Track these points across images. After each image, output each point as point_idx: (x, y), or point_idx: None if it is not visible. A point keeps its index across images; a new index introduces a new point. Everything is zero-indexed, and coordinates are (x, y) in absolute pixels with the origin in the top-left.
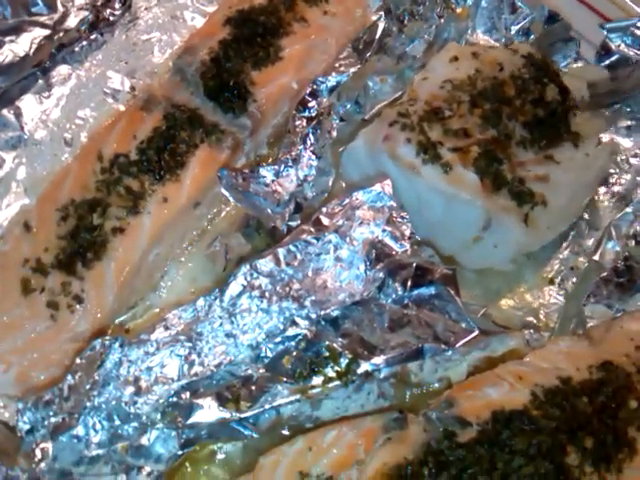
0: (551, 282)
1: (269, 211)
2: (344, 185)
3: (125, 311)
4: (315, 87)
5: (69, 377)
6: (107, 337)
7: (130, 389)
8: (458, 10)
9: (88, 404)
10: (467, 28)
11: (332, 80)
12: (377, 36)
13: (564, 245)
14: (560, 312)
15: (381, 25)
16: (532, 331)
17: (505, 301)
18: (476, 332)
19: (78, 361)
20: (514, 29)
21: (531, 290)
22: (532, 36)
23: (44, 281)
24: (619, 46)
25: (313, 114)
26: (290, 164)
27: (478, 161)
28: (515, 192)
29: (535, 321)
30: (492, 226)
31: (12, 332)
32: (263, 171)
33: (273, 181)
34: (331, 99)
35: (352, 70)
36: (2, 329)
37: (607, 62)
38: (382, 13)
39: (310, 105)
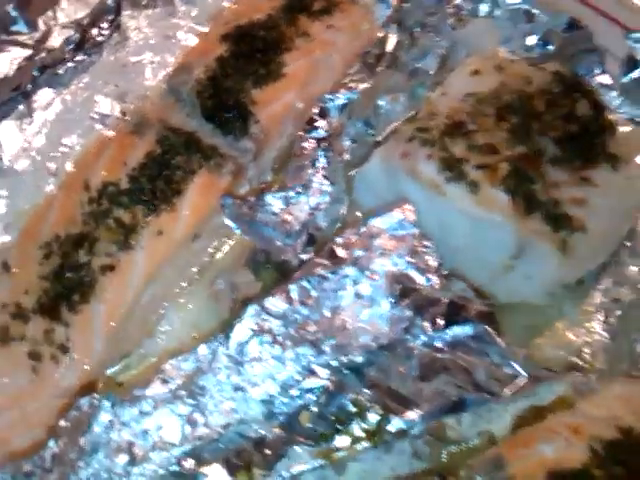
0: (593, 316)
1: (279, 243)
2: (359, 213)
3: (117, 361)
4: (323, 105)
5: (51, 443)
6: (95, 395)
7: (123, 457)
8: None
9: (74, 477)
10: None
11: (341, 98)
12: (389, 49)
13: (604, 274)
14: (607, 350)
15: (392, 37)
16: (578, 374)
17: (543, 339)
18: (525, 379)
19: (62, 423)
20: (531, 39)
21: (572, 326)
22: (550, 46)
23: (25, 328)
24: None
25: (322, 135)
26: (300, 190)
27: (508, 179)
28: (550, 215)
29: (580, 362)
30: (525, 254)
31: None
32: (270, 199)
33: (282, 210)
34: (341, 118)
35: (362, 86)
36: None
37: (635, 75)
38: (393, 25)
39: (318, 125)
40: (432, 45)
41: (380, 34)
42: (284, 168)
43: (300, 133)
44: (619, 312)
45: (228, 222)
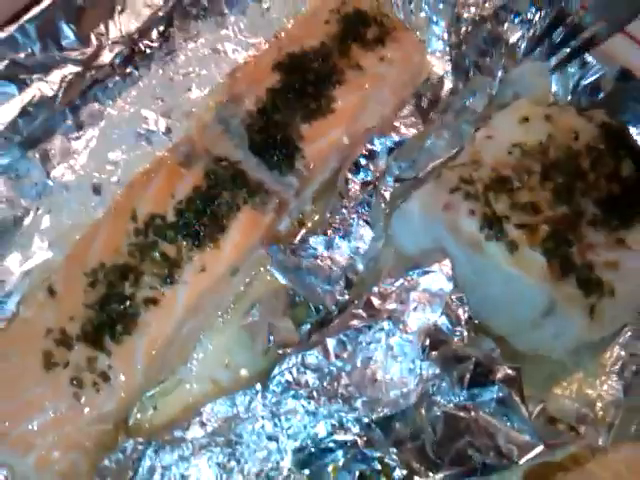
0: (610, 369)
1: (320, 291)
2: (394, 253)
3: (153, 386)
4: (372, 148)
5: None
6: (140, 439)
7: None
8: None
9: None
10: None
11: (391, 141)
12: (443, 94)
13: (624, 329)
14: (618, 406)
15: (447, 82)
16: (588, 427)
17: (560, 390)
18: (541, 447)
19: (107, 463)
20: (582, 84)
21: (588, 378)
22: (600, 93)
23: (68, 355)
24: None
25: (369, 178)
26: (342, 234)
27: (546, 242)
28: (583, 280)
29: (591, 414)
30: (554, 314)
31: (32, 412)
32: (313, 242)
33: (324, 254)
34: (388, 160)
35: (413, 131)
36: (21, 409)
37: None
38: (449, 69)
39: (366, 167)
40: (483, 85)
41: (434, 74)
42: (323, 199)
43: (348, 175)
44: (634, 367)
45: (276, 273)
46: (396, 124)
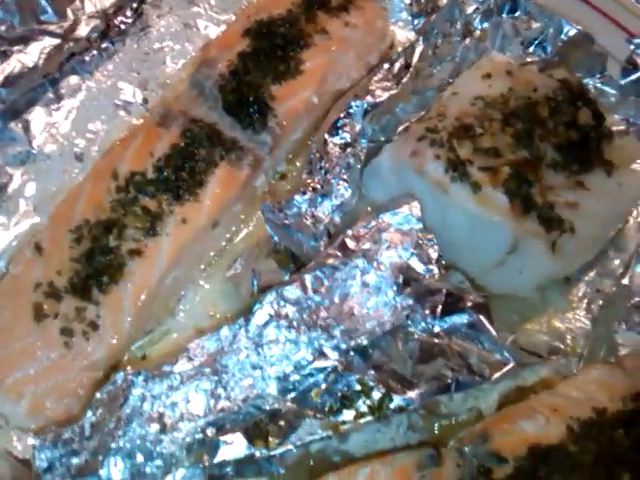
0: (577, 305)
1: (306, 246)
2: (367, 205)
3: (142, 337)
4: (349, 110)
5: (89, 413)
6: (129, 370)
7: (155, 426)
8: (477, 33)
9: (113, 445)
10: (485, 49)
11: (366, 104)
12: (414, 60)
13: (589, 267)
14: (587, 337)
15: (418, 48)
16: (559, 357)
17: (531, 325)
18: (512, 364)
19: (98, 396)
20: (531, 45)
21: (557, 313)
22: (550, 50)
23: (57, 306)
24: None
25: (346, 140)
26: (323, 193)
27: (508, 182)
28: (544, 217)
29: (562, 346)
30: (518, 250)
31: (24, 361)
32: (298, 202)
33: (307, 212)
34: (364, 123)
35: (387, 94)
36: (13, 358)
37: (633, 77)
38: (412, 38)
39: (343, 129)
40: (448, 53)
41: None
42: (297, 159)
43: (326, 137)
44: (601, 302)
45: (269, 230)
46: (371, 88)
